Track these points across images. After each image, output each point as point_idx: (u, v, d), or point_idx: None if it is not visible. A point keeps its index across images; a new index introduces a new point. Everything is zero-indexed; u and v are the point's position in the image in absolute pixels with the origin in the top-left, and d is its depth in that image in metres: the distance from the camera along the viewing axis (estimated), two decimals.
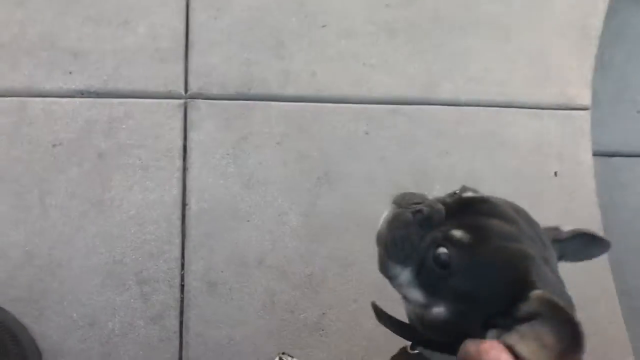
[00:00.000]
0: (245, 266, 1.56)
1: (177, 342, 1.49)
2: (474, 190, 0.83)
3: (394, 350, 1.05)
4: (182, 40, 1.79)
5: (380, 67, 1.86)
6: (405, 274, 0.79)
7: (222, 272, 1.55)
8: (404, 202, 0.81)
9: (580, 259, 0.88)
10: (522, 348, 0.63)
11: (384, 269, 0.83)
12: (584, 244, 0.88)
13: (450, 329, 0.74)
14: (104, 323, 1.49)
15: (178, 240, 1.56)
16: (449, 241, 0.74)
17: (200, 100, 1.72)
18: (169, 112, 1.69)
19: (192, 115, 1.70)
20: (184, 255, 1.55)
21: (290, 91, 1.78)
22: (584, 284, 1.67)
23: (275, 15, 1.86)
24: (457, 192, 0.83)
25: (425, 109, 1.83)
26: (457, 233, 0.74)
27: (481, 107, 1.87)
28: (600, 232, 0.89)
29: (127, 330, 1.49)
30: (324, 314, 1.54)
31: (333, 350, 1.51)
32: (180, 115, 1.69)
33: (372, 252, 1.52)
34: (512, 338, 0.65)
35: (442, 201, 0.81)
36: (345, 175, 1.70)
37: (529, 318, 0.65)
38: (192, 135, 1.67)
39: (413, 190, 0.85)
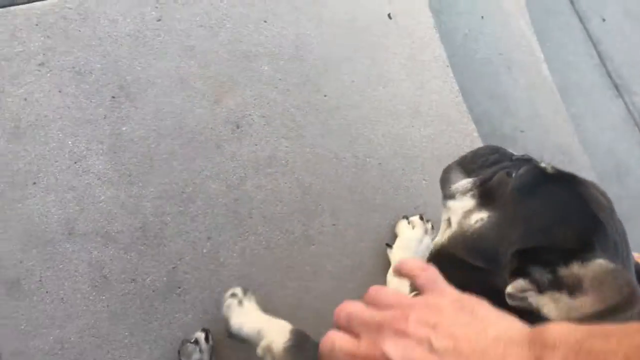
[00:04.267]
0: (51, 244, 1.15)
1: None
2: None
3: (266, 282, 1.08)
4: None
5: None
6: (466, 181, 0.80)
7: (21, 262, 1.12)
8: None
9: None
10: (551, 312, 0.59)
11: (447, 174, 0.85)
12: None
13: (478, 243, 0.71)
14: None
15: None
16: (532, 165, 0.72)
17: None
18: None
19: None
20: None
21: None
22: None
23: None
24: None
25: None
26: (544, 164, 0.74)
27: None
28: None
29: None
30: (174, 267, 1.21)
31: (198, 305, 1.21)
32: None
33: (211, 172, 1.19)
34: (543, 300, 0.60)
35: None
36: (148, 82, 1.29)
37: (572, 283, 0.59)
38: None
39: None
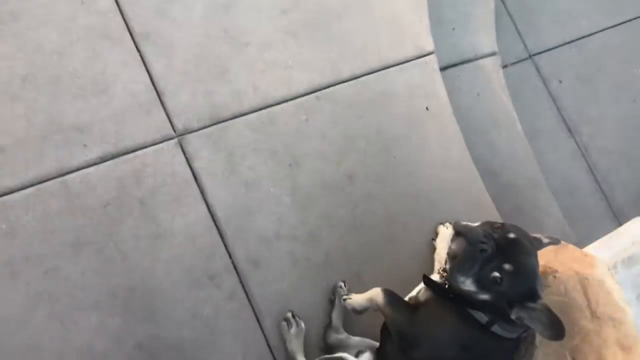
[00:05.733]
0: (270, 241, 2.27)
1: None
2: (514, 230, 1.66)
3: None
4: (153, 92, 2.27)
5: (296, 67, 2.51)
6: (468, 281, 1.64)
7: (258, 252, 2.24)
8: (470, 234, 1.64)
9: None
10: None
11: (453, 277, 1.68)
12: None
13: (488, 304, 1.63)
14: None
15: (218, 239, 2.21)
16: (501, 269, 1.59)
17: (188, 135, 2.27)
18: (171, 152, 2.23)
19: (188, 149, 2.26)
20: (228, 248, 2.21)
21: (246, 106, 2.39)
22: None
23: (211, 47, 2.39)
24: (499, 226, 1.67)
25: (338, 89, 2.55)
26: (506, 266, 1.59)
27: (370, 75, 2.63)
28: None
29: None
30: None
31: None
32: (180, 151, 2.25)
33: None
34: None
35: (492, 235, 1.64)
36: (305, 155, 2.41)
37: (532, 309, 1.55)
38: (195, 164, 2.25)
39: None
